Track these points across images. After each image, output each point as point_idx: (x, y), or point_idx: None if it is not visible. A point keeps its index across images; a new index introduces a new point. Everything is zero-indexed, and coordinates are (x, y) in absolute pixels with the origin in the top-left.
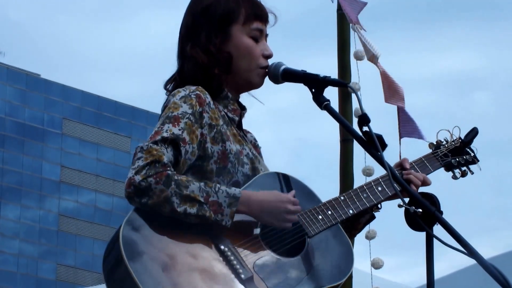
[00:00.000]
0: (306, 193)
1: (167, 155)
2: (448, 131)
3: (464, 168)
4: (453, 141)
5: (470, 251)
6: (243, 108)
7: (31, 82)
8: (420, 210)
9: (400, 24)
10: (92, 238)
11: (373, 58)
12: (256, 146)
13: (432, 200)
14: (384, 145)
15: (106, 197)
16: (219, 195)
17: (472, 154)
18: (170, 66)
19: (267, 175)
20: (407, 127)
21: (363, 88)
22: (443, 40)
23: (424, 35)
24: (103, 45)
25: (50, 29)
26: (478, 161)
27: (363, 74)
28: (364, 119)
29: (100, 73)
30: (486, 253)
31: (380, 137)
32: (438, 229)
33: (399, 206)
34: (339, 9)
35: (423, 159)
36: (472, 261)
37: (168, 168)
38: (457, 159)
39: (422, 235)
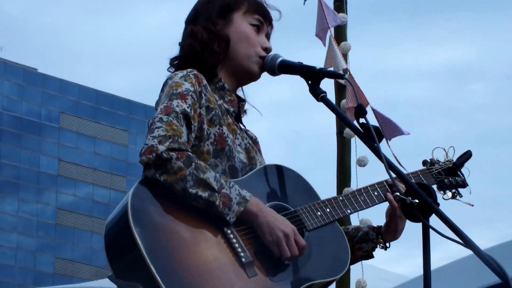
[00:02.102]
0: (305, 188)
1: (185, 132)
2: (444, 149)
3: (454, 190)
4: (446, 161)
5: (467, 242)
6: (241, 100)
7: (28, 76)
8: (417, 201)
9: (396, 17)
10: (90, 231)
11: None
12: (256, 142)
13: (428, 191)
14: (380, 137)
15: (104, 190)
16: (232, 190)
17: (462, 178)
18: (166, 60)
19: (268, 167)
20: (388, 128)
21: (361, 79)
22: (439, 32)
23: (420, 28)
24: (99, 39)
25: (46, 23)
26: (467, 185)
27: (361, 64)
28: (360, 111)
29: (97, 67)
30: (481, 244)
31: (376, 129)
32: (434, 220)
33: (396, 196)
34: (336, 1)
35: (418, 172)
36: (468, 252)
37: (189, 149)
38: (450, 179)
39: (418, 226)
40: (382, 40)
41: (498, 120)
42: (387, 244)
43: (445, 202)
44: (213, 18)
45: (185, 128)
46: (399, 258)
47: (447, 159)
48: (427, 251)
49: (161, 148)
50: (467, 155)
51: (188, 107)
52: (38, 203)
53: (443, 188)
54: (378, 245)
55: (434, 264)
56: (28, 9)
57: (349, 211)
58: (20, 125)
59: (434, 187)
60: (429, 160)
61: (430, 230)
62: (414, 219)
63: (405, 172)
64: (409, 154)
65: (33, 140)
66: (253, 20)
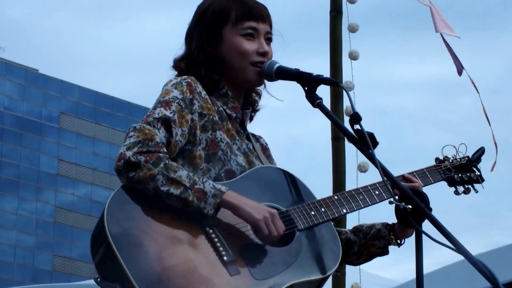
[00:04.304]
0: (301, 190)
1: (159, 135)
2: (454, 147)
3: (467, 186)
4: (460, 158)
5: (458, 247)
6: (245, 108)
7: (29, 77)
8: (410, 206)
9: (389, 30)
10: (88, 230)
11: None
12: (266, 149)
13: (421, 197)
14: (375, 143)
15: (103, 190)
16: (206, 185)
17: (478, 173)
18: (165, 64)
19: (267, 168)
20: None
21: (355, 88)
22: (431, 46)
23: (413, 41)
24: (99, 43)
25: (48, 27)
26: (484, 180)
27: (355, 74)
28: (355, 118)
29: (97, 69)
30: (471, 251)
31: (371, 135)
32: (426, 226)
33: (390, 202)
34: (332, 11)
35: (425, 170)
36: (459, 258)
37: (161, 150)
38: (460, 175)
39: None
40: (376, 51)
41: (485, 132)
42: (400, 241)
43: (438, 205)
44: (202, 41)
45: (163, 131)
46: (390, 263)
47: (458, 156)
48: (419, 256)
49: (128, 153)
50: (480, 151)
51: (170, 113)
52: (37, 202)
53: (453, 184)
54: (390, 242)
55: (424, 270)
56: (30, 13)
57: (345, 210)
58: (21, 125)
59: (445, 183)
60: (441, 158)
61: (423, 235)
62: (407, 225)
63: (412, 170)
64: (401, 162)
65: (34, 139)
66: (244, 29)
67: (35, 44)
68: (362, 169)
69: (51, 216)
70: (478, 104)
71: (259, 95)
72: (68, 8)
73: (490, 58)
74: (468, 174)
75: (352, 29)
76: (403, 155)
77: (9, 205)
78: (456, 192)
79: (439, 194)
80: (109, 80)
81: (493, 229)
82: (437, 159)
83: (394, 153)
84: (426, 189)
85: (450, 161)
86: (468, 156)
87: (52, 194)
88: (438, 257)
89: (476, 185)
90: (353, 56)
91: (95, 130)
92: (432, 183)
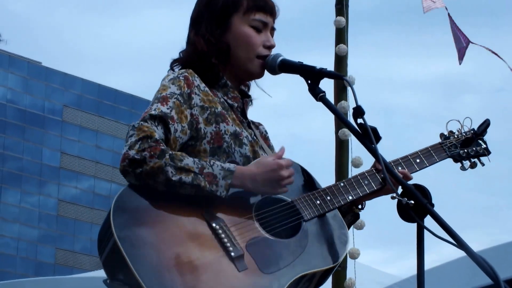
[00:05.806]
0: (306, 179)
1: (158, 132)
2: (458, 121)
3: (474, 160)
4: (465, 132)
5: (460, 243)
6: (246, 97)
7: (32, 69)
8: (412, 201)
9: (394, 28)
10: (90, 223)
11: None
12: (266, 138)
13: (424, 192)
14: (378, 138)
15: (105, 183)
16: (214, 168)
17: (484, 146)
18: (168, 58)
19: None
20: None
21: (358, 84)
22: (435, 44)
23: (418, 39)
24: (102, 38)
25: (50, 21)
26: (490, 153)
27: (360, 72)
28: (358, 111)
29: (100, 63)
30: (473, 248)
31: (374, 129)
32: (428, 221)
33: (392, 197)
34: (338, 4)
35: (429, 148)
36: (460, 254)
37: (161, 144)
38: (466, 150)
39: (411, 228)
40: (380, 49)
41: (488, 132)
42: (362, 206)
43: (442, 203)
44: (212, 26)
45: (161, 128)
46: (392, 259)
47: (465, 130)
48: (421, 252)
49: (132, 152)
50: (486, 124)
51: (168, 109)
52: (40, 195)
53: (459, 160)
54: (351, 213)
55: (426, 266)
56: (32, 7)
57: (351, 197)
58: (24, 118)
59: (451, 160)
60: (446, 134)
61: (425, 231)
62: (409, 220)
63: (416, 150)
64: None
65: (37, 132)
66: (254, 20)
67: (38, 37)
68: (356, 164)
69: (53, 209)
70: (480, 102)
71: (248, 86)
72: (71, 3)
73: (493, 56)
74: (473, 148)
75: (338, 25)
76: (405, 153)
77: (12, 198)
78: (463, 168)
79: (443, 192)
80: (112, 73)
81: (497, 228)
82: (442, 134)
83: (397, 151)
84: (430, 184)
85: (456, 136)
86: (474, 129)
87: (55, 187)
88: (439, 253)
89: (483, 158)
90: (340, 51)
91: (98, 123)
92: (437, 162)
